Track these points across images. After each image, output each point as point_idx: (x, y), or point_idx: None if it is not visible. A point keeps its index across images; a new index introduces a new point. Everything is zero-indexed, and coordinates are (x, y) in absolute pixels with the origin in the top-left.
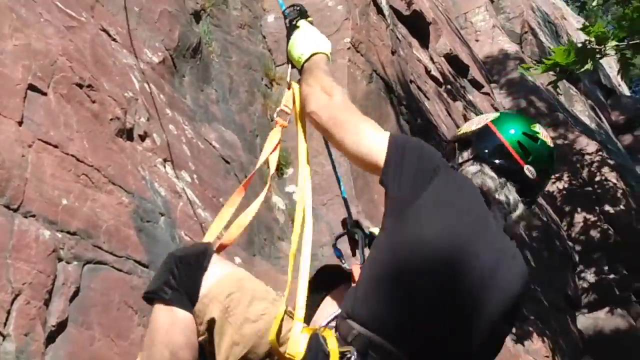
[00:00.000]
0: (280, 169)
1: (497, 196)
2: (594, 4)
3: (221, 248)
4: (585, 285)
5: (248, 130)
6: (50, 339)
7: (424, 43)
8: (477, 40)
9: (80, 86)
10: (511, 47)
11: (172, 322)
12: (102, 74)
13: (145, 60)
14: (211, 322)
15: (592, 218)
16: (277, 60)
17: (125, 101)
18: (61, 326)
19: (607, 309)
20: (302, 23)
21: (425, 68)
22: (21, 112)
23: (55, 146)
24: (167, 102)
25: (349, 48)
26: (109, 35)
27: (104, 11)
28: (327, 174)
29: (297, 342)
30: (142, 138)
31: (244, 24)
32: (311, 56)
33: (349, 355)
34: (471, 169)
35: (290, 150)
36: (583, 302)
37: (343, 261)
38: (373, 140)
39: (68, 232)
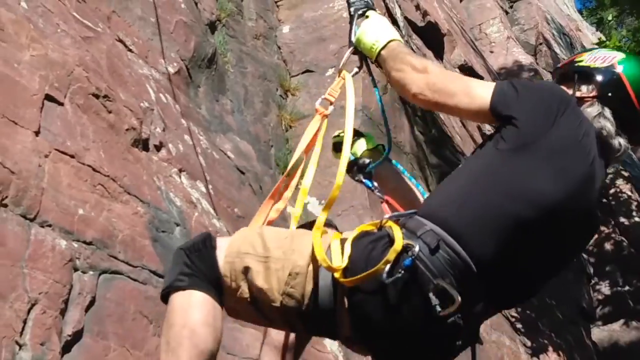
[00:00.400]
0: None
1: (612, 142)
2: (609, 17)
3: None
4: (599, 297)
5: (263, 141)
6: (66, 348)
7: (439, 54)
8: (491, 52)
9: (97, 96)
10: (526, 59)
11: (189, 302)
12: (118, 84)
13: (161, 70)
14: (246, 271)
15: (606, 230)
16: (292, 70)
17: (141, 111)
18: (77, 336)
19: (621, 321)
20: (371, 13)
21: None
22: (38, 122)
23: (72, 156)
24: (182, 112)
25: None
26: (125, 46)
27: (120, 21)
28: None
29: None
30: (158, 148)
31: (259, 35)
32: (387, 44)
33: (414, 247)
34: (592, 110)
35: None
36: (598, 314)
37: (375, 191)
38: (483, 92)
39: (84, 242)
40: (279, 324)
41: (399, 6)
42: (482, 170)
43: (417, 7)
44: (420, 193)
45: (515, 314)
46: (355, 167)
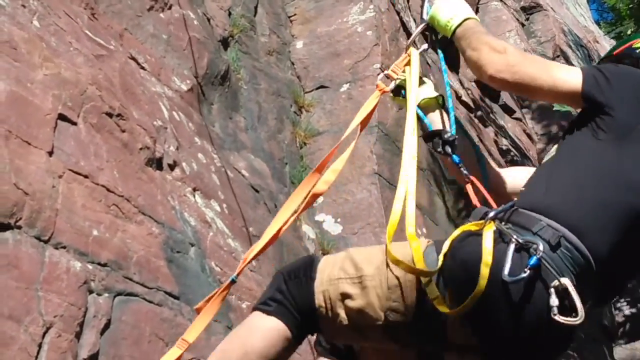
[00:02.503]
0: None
1: None
2: (629, 32)
3: (314, 197)
4: (621, 315)
5: (277, 158)
6: None
7: (455, 68)
8: None
9: (110, 115)
10: None
11: (260, 327)
12: (131, 103)
13: (173, 88)
14: (342, 297)
15: None
16: (306, 86)
17: (154, 130)
18: (92, 359)
19: None
20: None
21: (456, 93)
22: (51, 142)
23: (86, 176)
24: (195, 130)
25: (378, 74)
26: (138, 64)
27: (132, 39)
28: (357, 202)
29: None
30: (172, 167)
31: (273, 51)
32: (463, 21)
33: (538, 245)
34: None
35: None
36: (620, 332)
37: (462, 169)
38: (570, 76)
39: (99, 264)
40: (383, 342)
41: (414, 20)
42: (588, 162)
43: None
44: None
45: None
46: (438, 139)
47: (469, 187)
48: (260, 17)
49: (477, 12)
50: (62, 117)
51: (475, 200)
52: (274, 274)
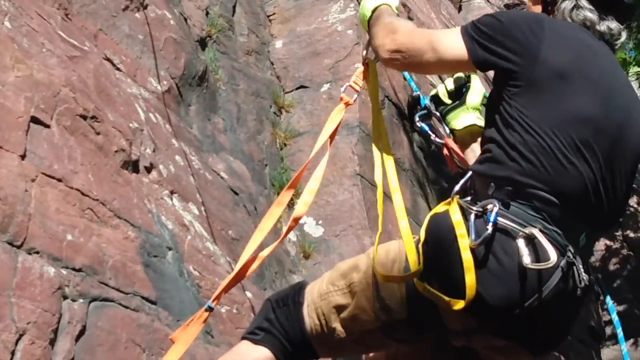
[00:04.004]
0: (290, 200)
1: (599, 28)
2: None
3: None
4: (608, 315)
5: (257, 160)
6: None
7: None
8: None
9: (84, 117)
10: None
11: (246, 356)
12: (106, 105)
13: (150, 89)
14: (335, 310)
15: (613, 245)
16: (286, 87)
17: (130, 132)
18: None
19: (632, 340)
20: None
21: None
22: (24, 145)
23: (59, 180)
24: (173, 132)
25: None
26: (113, 64)
27: (107, 40)
28: (339, 204)
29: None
30: (148, 170)
31: (251, 51)
32: (373, 12)
33: (490, 206)
34: (566, 5)
35: (302, 180)
36: (607, 333)
37: (433, 136)
38: (450, 44)
39: (73, 269)
40: (384, 345)
41: None
42: (512, 119)
43: (411, 20)
44: None
45: None
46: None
47: (444, 150)
48: (239, 17)
49: (460, 10)
50: (34, 120)
51: (451, 163)
52: (263, 302)
